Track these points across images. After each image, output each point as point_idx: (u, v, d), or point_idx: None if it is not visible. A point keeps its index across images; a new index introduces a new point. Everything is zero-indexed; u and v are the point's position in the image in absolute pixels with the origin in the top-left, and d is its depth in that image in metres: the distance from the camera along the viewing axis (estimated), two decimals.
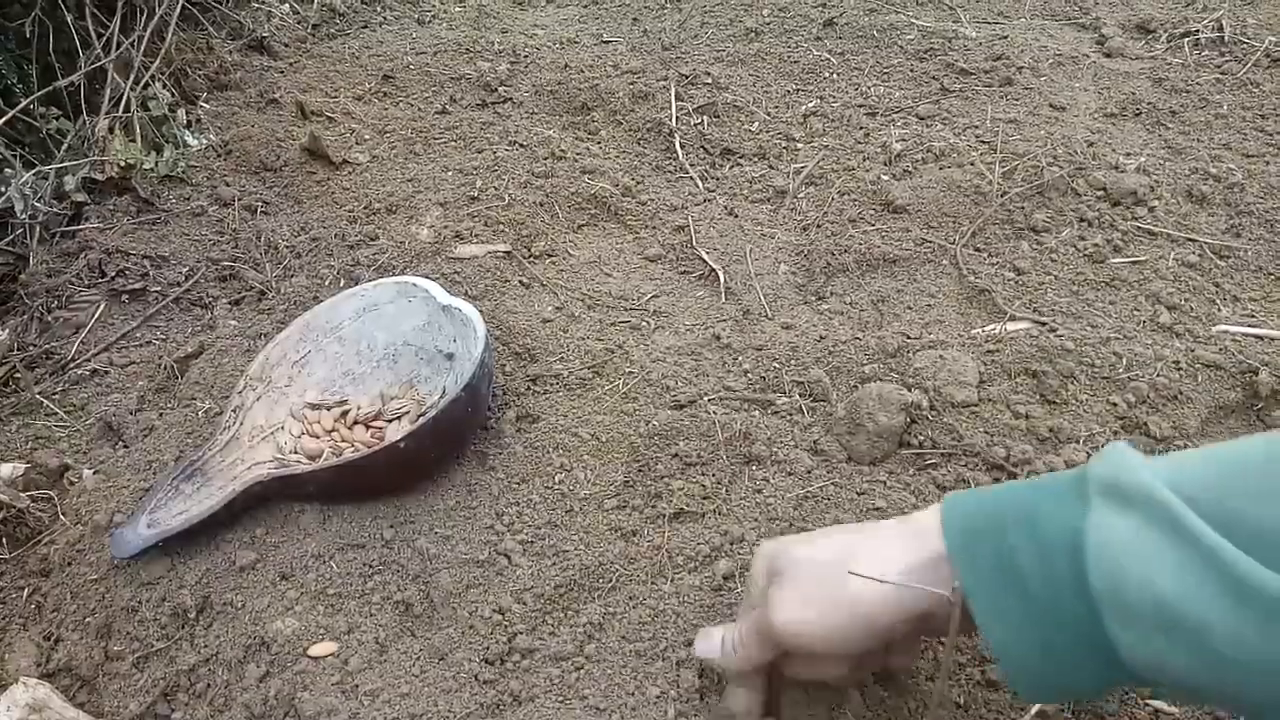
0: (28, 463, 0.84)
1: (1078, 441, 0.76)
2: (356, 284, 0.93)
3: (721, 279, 1.01)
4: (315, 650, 0.67)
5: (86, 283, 1.06)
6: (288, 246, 1.10)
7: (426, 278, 0.90)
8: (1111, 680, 0.45)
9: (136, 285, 1.05)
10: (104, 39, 1.27)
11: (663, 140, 1.24)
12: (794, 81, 1.33)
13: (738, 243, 1.06)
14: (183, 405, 0.88)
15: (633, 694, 0.63)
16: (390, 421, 0.84)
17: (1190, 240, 0.96)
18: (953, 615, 0.46)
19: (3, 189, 1.09)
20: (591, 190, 1.13)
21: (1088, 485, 0.44)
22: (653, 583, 0.70)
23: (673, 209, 1.13)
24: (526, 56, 1.46)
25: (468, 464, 0.80)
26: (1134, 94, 1.20)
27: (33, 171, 1.13)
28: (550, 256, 1.06)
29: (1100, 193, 1.02)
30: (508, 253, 1.04)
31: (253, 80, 1.43)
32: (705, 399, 0.84)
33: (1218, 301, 0.90)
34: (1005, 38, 1.35)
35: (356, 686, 0.65)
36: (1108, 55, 1.33)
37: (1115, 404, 0.79)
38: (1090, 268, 0.95)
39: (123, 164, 1.17)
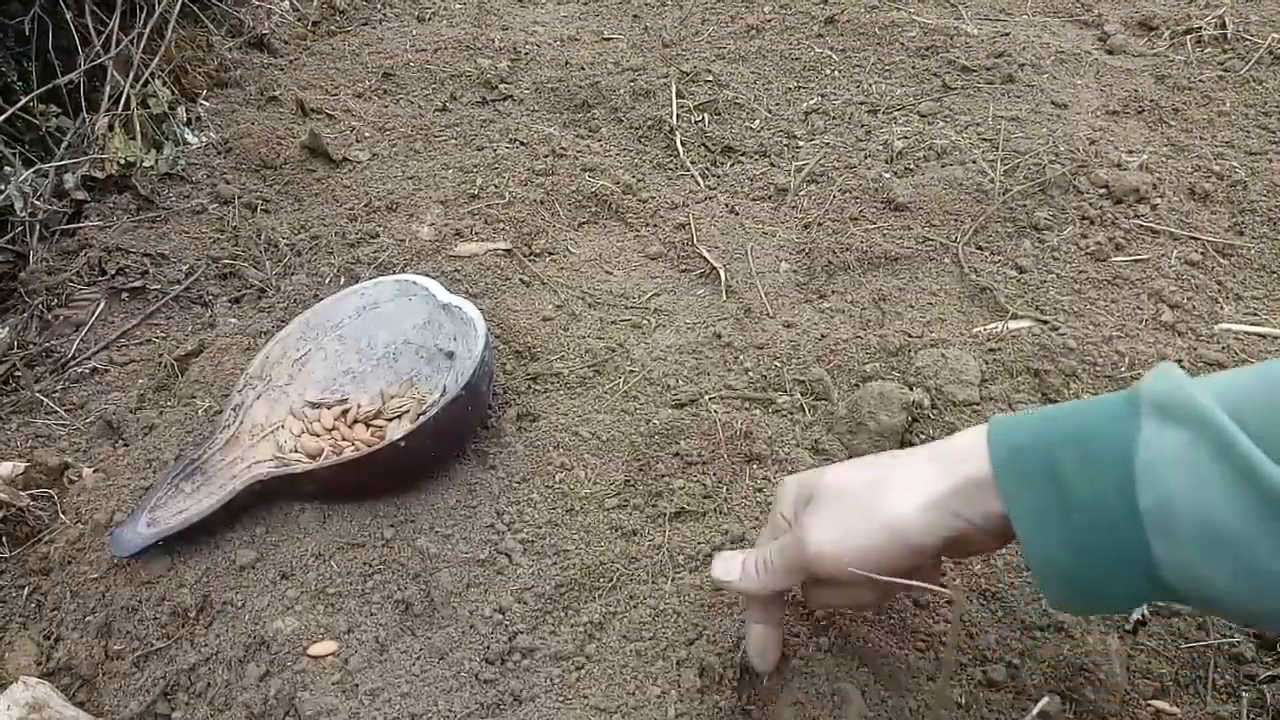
0: (28, 461, 0.83)
1: None
2: (357, 282, 0.93)
3: (722, 277, 1.00)
4: (315, 650, 0.67)
5: (86, 281, 1.06)
6: (288, 244, 1.09)
7: (427, 276, 0.90)
8: (1145, 595, 0.46)
9: (136, 283, 1.05)
10: (104, 36, 1.27)
11: (664, 138, 1.24)
12: (795, 79, 1.33)
13: (739, 241, 1.06)
14: (183, 404, 0.88)
15: (633, 694, 0.63)
16: (391, 420, 0.84)
17: (1193, 238, 0.96)
18: (954, 616, 0.46)
19: (2, 187, 1.09)
20: (592, 188, 1.13)
21: (1139, 403, 0.45)
22: (653, 582, 0.70)
23: (674, 207, 1.12)
24: (527, 54, 1.46)
25: (468, 463, 0.80)
26: (1136, 91, 1.20)
27: (32, 169, 1.13)
28: (551, 254, 1.05)
29: (1102, 190, 1.01)
30: (508, 251, 1.04)
31: (253, 78, 1.43)
32: (706, 398, 0.84)
33: (1220, 300, 0.90)
34: (1007, 35, 1.34)
35: (356, 686, 0.65)
36: (1110, 52, 1.32)
37: None
38: (1092, 266, 0.94)
39: (122, 162, 1.16)
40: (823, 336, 0.89)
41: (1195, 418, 0.42)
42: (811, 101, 1.27)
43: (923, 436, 0.78)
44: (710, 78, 1.32)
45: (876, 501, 0.50)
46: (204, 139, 1.27)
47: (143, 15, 1.32)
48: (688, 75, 1.32)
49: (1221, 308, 0.89)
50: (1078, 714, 0.60)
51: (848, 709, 0.58)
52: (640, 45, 1.46)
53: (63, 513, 0.80)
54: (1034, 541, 0.46)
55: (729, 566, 0.57)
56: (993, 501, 0.48)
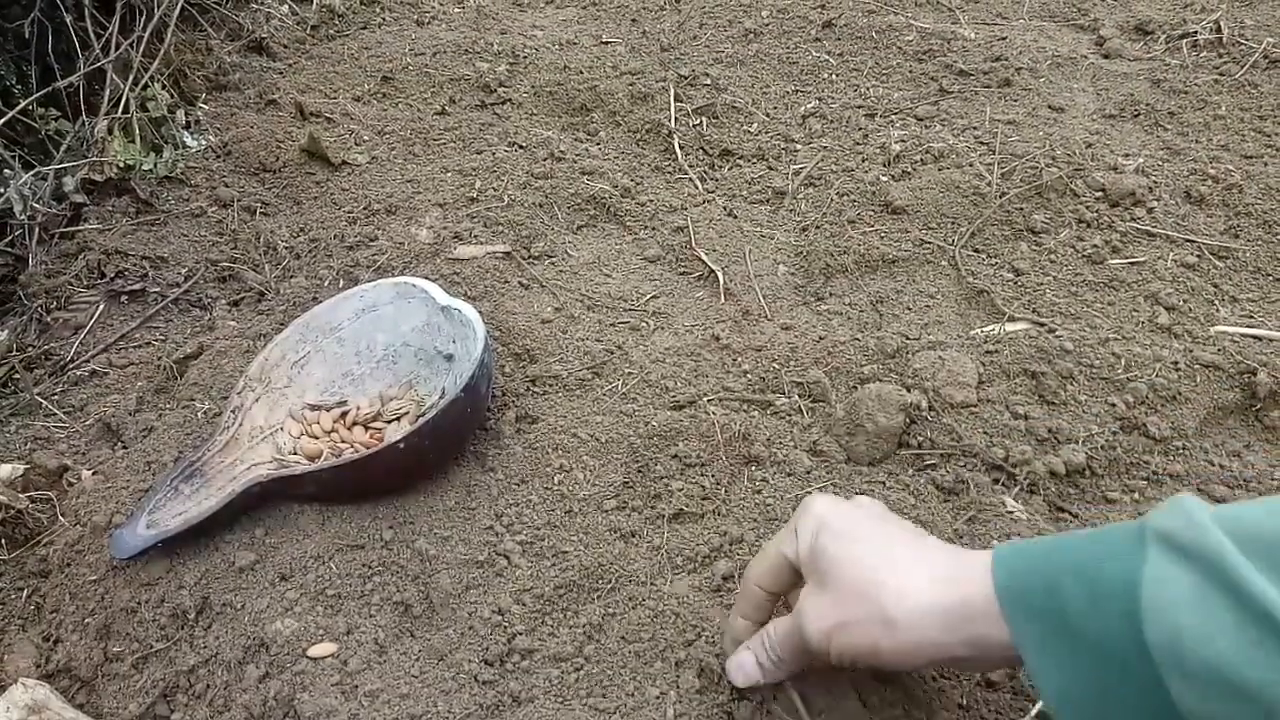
0: (27, 463, 0.84)
1: (1076, 442, 0.76)
2: (356, 285, 0.93)
3: (720, 280, 1.01)
4: (315, 651, 0.67)
5: (85, 284, 1.06)
6: (287, 247, 1.10)
7: (426, 278, 0.90)
8: None
9: (136, 286, 1.05)
10: (103, 40, 1.27)
11: (662, 141, 1.25)
12: (793, 83, 1.34)
13: (737, 243, 1.06)
14: (182, 406, 0.88)
15: (632, 694, 0.63)
16: (389, 422, 0.84)
17: (1189, 241, 0.97)
18: None
19: (2, 190, 1.09)
20: (590, 191, 1.13)
21: (1146, 535, 0.43)
22: (652, 583, 0.70)
23: (672, 210, 1.13)
24: (525, 57, 1.46)
25: (467, 465, 0.80)
26: (1132, 95, 1.20)
27: (32, 172, 1.13)
28: (549, 257, 1.06)
29: (1099, 194, 1.02)
30: (507, 253, 1.04)
31: (252, 81, 1.43)
32: (704, 400, 0.84)
33: (1216, 302, 0.90)
34: (1004, 39, 1.35)
35: (356, 687, 0.65)
36: (1106, 56, 1.33)
37: (1114, 404, 0.79)
38: (1089, 268, 0.95)
39: (122, 165, 1.17)
40: (820, 339, 0.90)
41: (1204, 554, 0.40)
42: (809, 105, 1.28)
43: (920, 438, 0.78)
44: (708, 81, 1.32)
45: (876, 594, 0.50)
46: (203, 142, 1.28)
47: (142, 19, 1.32)
48: (686, 79, 1.33)
49: (1217, 310, 0.89)
50: None
51: (847, 709, 0.58)
52: (638, 49, 1.46)
53: (62, 515, 0.80)
54: (1045, 673, 0.44)
55: (748, 671, 0.59)
56: (997, 628, 0.46)
